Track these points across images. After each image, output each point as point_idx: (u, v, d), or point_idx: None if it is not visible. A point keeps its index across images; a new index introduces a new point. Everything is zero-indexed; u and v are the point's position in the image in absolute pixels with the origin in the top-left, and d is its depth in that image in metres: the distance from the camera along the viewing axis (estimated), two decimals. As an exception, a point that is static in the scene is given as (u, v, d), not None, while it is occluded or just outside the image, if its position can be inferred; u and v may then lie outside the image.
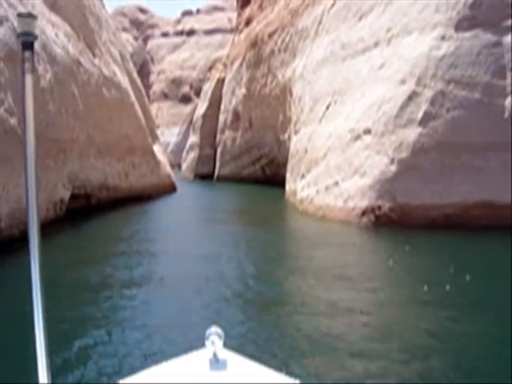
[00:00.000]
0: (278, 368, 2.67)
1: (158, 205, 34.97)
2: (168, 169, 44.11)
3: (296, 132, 37.21)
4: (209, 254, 17.08)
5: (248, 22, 68.39)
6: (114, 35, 37.29)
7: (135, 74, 43.11)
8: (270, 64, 52.74)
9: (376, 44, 27.81)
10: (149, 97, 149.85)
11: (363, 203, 22.84)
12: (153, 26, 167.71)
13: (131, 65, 42.50)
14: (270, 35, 53.27)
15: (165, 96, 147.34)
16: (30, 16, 1.96)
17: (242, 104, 60.72)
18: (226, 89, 68.63)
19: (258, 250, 17.94)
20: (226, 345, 2.58)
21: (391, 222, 22.09)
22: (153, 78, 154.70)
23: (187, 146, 79.69)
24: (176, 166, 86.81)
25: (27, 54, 2.00)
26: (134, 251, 17.59)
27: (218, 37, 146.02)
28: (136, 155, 35.38)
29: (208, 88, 76.57)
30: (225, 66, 75.28)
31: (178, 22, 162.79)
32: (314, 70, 35.35)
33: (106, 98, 30.44)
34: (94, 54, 30.15)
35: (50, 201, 21.75)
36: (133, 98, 35.83)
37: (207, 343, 2.54)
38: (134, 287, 12.60)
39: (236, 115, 62.51)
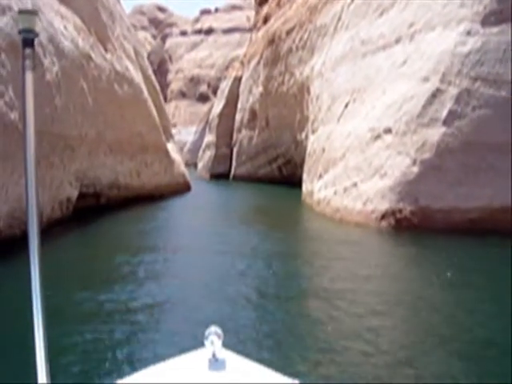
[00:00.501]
0: (277, 368, 2.60)
1: (170, 204, 34.04)
2: (182, 168, 43.19)
3: (313, 131, 36.12)
4: (220, 265, 16.02)
5: (266, 20, 67.39)
6: (128, 31, 36.44)
7: (150, 71, 42.23)
8: (287, 62, 51.66)
9: (398, 40, 26.64)
10: (166, 95, 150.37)
11: (383, 206, 21.72)
12: (171, 25, 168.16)
13: (146, 61, 41.65)
14: (288, 32, 52.18)
15: (182, 95, 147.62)
16: (31, 13, 1.88)
17: (258, 103, 59.72)
18: (242, 87, 67.62)
19: (274, 260, 16.83)
20: (225, 345, 2.57)
21: (412, 226, 20.97)
22: (171, 76, 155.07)
23: (203, 145, 78.73)
24: (192, 164, 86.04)
25: (28, 51, 1.94)
26: (137, 256, 16.66)
27: (236, 35, 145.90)
28: (149, 153, 34.48)
29: (225, 86, 75.58)
30: (242, 64, 74.27)
31: (197, 20, 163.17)
32: (332, 68, 34.22)
33: (117, 95, 29.57)
34: (106, 49, 29.30)
35: (56, 199, 20.89)
36: (146, 94, 34.95)
37: (206, 343, 2.53)
38: (136, 313, 11.07)
39: (253, 114, 61.51)
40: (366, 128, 24.66)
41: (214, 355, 2.52)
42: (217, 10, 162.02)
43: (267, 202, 36.73)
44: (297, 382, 2.46)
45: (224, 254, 16.79)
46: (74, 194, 23.36)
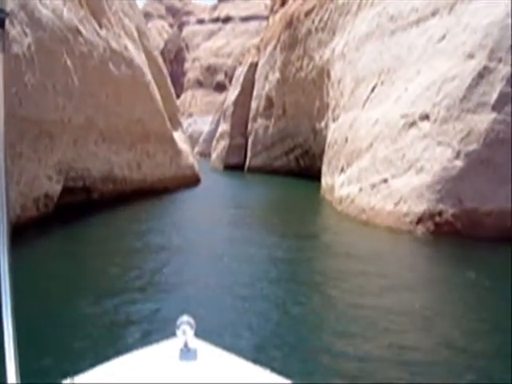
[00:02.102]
0: (249, 358, 2.50)
1: (173, 200, 30.52)
2: (191, 159, 39.73)
3: (334, 119, 32.45)
4: (228, 284, 12.46)
5: (283, 3, 63.75)
6: (130, 7, 32.92)
7: (156, 53, 38.76)
8: (306, 45, 48.11)
9: (434, 13, 22.86)
10: (183, 84, 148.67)
11: (419, 207, 18.07)
12: (188, 13, 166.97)
13: (151, 42, 38.12)
14: (307, 14, 48.53)
15: (199, 84, 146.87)
16: None
17: (275, 90, 56.54)
18: (258, 74, 64.32)
19: (289, 276, 13.22)
20: (197, 334, 2.51)
21: (455, 232, 17.34)
22: (187, 65, 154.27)
23: (217, 135, 75.41)
24: (208, 155, 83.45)
25: None
26: (124, 270, 13.20)
27: (254, 24, 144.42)
28: (151, 142, 31.01)
29: (240, 73, 72.04)
30: (258, 49, 70.67)
31: (214, 8, 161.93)
32: (356, 48, 30.50)
33: (113, 75, 26.12)
34: (100, 25, 25.83)
35: (29, 196, 17.52)
36: (149, 77, 31.45)
37: (178, 332, 2.47)
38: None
39: (269, 102, 58.40)
40: (397, 114, 20.99)
41: (185, 345, 2.46)
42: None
43: (283, 198, 33.06)
44: (268, 371, 2.41)
45: (227, 276, 13.22)
46: (56, 188, 19.97)
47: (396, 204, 18.82)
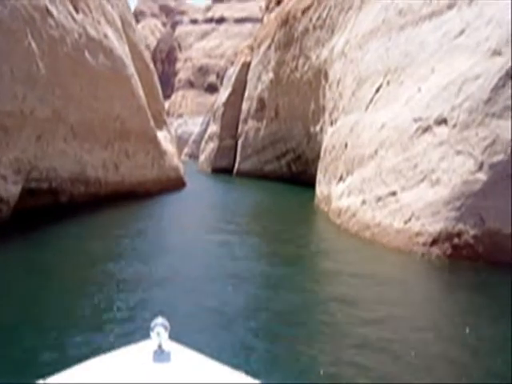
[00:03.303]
0: (223, 361, 2.50)
1: (152, 205, 27.66)
2: (175, 160, 36.95)
3: (332, 122, 29.84)
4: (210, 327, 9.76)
5: (279, 1, 61.30)
6: (114, -6, 30.18)
7: (142, 47, 35.97)
8: (302, 44, 45.64)
9: (451, 5, 20.29)
10: (174, 84, 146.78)
11: (435, 226, 15.42)
12: (182, 13, 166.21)
13: (137, 34, 35.37)
14: (304, 11, 46.04)
15: (190, 84, 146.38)
16: None
17: (268, 90, 54.18)
18: (251, 74, 61.87)
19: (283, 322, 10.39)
20: (171, 337, 2.50)
21: (476, 256, 14.74)
22: (179, 65, 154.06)
23: (206, 136, 72.73)
24: (197, 157, 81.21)
25: None
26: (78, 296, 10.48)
27: (248, 25, 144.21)
28: (131, 141, 28.21)
29: (232, 73, 69.42)
30: (251, 49, 68.08)
31: (208, 9, 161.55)
32: (359, 45, 27.91)
33: (89, 66, 23.36)
34: (76, 8, 23.08)
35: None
36: (131, 70, 28.67)
37: (152, 334, 2.47)
38: None
39: (261, 103, 56.05)
40: (408, 117, 18.38)
41: (159, 347, 2.45)
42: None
43: (274, 208, 30.15)
44: (242, 373, 2.41)
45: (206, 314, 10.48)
46: (13, 190, 17.19)
47: (406, 221, 16.16)
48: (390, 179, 17.66)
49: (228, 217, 24.64)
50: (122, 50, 27.89)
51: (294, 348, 8.42)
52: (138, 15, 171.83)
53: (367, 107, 23.38)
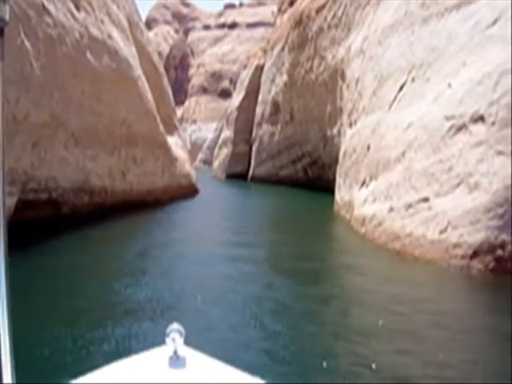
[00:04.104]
0: (240, 366, 2.39)
1: (162, 214, 25.93)
2: (187, 167, 35.39)
3: (352, 124, 28.12)
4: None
5: (292, 2, 59.60)
6: (120, -7, 28.71)
7: (151, 48, 34.48)
8: (316, 45, 44.00)
9: (481, -7, 18.63)
10: (187, 91, 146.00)
11: (475, 237, 13.67)
12: (194, 19, 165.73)
13: (145, 36, 33.90)
14: (318, 10, 44.41)
15: (204, 90, 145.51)
16: (1, 0, 1.51)
17: (282, 93, 52.59)
18: (264, 77, 60.29)
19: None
20: (187, 342, 2.46)
21: (523, 270, 12.98)
22: (192, 71, 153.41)
23: (220, 142, 71.15)
24: (212, 163, 79.45)
25: None
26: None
27: (260, 30, 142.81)
28: (139, 147, 26.67)
29: (245, 77, 67.86)
30: (264, 52, 66.54)
31: (221, 14, 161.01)
32: (379, 41, 26.23)
33: (91, 67, 21.86)
34: (78, 7, 21.60)
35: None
36: (138, 72, 27.16)
37: (168, 340, 2.43)
38: None
39: (275, 107, 54.48)
40: (439, 115, 16.65)
41: (175, 353, 2.42)
42: (241, 4, 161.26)
43: (292, 216, 28.30)
44: (261, 381, 2.39)
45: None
46: (7, 202, 15.65)
47: (442, 231, 14.41)
48: (420, 184, 15.92)
49: (242, 227, 22.97)
50: (128, 51, 26.40)
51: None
52: (151, 22, 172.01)
53: (390, 106, 21.69)
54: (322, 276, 13.93)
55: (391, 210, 17.02)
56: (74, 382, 2.27)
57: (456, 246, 13.93)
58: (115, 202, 24.15)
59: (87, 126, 21.39)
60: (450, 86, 17.21)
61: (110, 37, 24.11)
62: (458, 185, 14.65)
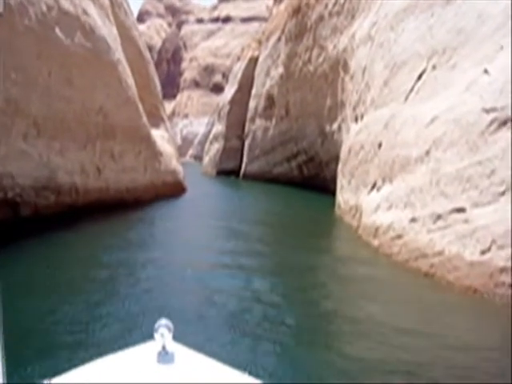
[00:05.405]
0: (226, 361, 2.46)
1: (142, 216, 22.78)
2: (174, 163, 32.28)
3: (357, 118, 25.16)
4: None
5: (290, -9, 56.61)
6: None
7: (136, 32, 31.31)
8: (316, 34, 41.10)
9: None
10: (179, 84, 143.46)
11: (529, 260, 10.74)
12: (188, 13, 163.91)
13: (130, 18, 30.74)
14: (319, -2, 41.31)
15: (196, 84, 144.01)
16: None
17: (277, 86, 49.79)
18: (259, 69, 57.53)
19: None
20: (175, 338, 2.50)
21: None
22: (185, 64, 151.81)
23: (211, 136, 68.12)
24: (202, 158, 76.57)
25: None
26: None
27: (254, 25, 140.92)
28: (116, 140, 23.54)
29: (238, 69, 64.86)
30: (259, 43, 63.49)
31: (214, 8, 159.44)
32: (390, 26, 23.26)
33: (61, 46, 18.77)
34: (46, -25, 18.48)
35: None
36: (118, 55, 24.02)
37: (156, 336, 2.47)
38: None
39: (270, 100, 51.81)
40: (474, 107, 13.70)
41: (163, 348, 2.45)
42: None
43: (287, 220, 24.82)
44: (246, 374, 2.42)
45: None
46: None
47: (484, 251, 11.43)
48: (453, 190, 12.94)
49: (232, 234, 19.87)
50: (107, 31, 23.28)
51: None
52: (144, 15, 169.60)
53: (407, 98, 18.74)
54: (328, 312, 10.86)
55: (414, 220, 14.04)
56: (63, 376, 2.26)
57: (503, 270, 10.97)
58: (88, 202, 21.11)
59: (54, 113, 18.29)
60: (486, 71, 14.27)
61: (85, 12, 21.00)
62: (503, 193, 11.69)
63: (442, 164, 13.77)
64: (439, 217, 12.96)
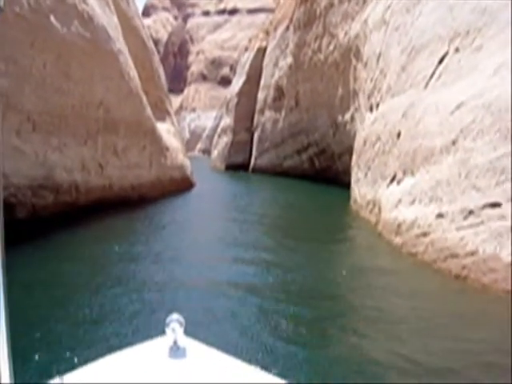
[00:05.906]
0: (238, 355, 2.41)
1: (148, 215, 21.58)
2: (181, 157, 31.14)
3: (372, 107, 23.89)
4: None
5: (298, -21, 55.29)
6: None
7: (139, 22, 30.11)
8: (326, 21, 39.77)
9: None
10: (186, 78, 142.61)
11: None
12: (194, 5, 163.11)
13: (133, 8, 29.54)
14: (328, -17, 39.95)
15: (203, 78, 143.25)
16: None
17: (286, 77, 48.51)
18: (267, 60, 56.20)
19: None
20: (187, 332, 2.47)
21: None
22: (191, 58, 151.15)
23: (219, 130, 66.94)
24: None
25: None
26: None
27: (261, 16, 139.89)
28: (119, 135, 22.40)
29: (246, 60, 63.58)
30: (267, 33, 62.18)
31: (221, 0, 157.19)
32: (406, 9, 21.97)
33: (57, 35, 17.60)
34: (40, -40, 17.31)
35: None
36: (120, 46, 22.86)
37: (167, 330, 2.44)
38: None
39: (279, 91, 50.53)
40: (505, 93, 12.43)
41: (175, 343, 2.43)
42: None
43: (300, 216, 23.48)
44: (258, 369, 2.39)
45: None
46: None
47: (525, 251, 10.22)
48: (485, 183, 11.69)
49: (242, 233, 18.69)
50: (107, 20, 22.10)
51: None
52: (150, 9, 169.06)
53: (427, 84, 17.46)
54: (349, 331, 9.67)
55: (441, 216, 12.80)
56: (75, 372, 2.23)
57: (548, 274, 9.74)
58: (91, 201, 20.01)
59: (50, 107, 17.15)
60: (518, 52, 12.99)
61: (83, 1, 19.82)
62: (545, 187, 10.44)
63: (472, 154, 12.50)
64: (471, 212, 11.71)
